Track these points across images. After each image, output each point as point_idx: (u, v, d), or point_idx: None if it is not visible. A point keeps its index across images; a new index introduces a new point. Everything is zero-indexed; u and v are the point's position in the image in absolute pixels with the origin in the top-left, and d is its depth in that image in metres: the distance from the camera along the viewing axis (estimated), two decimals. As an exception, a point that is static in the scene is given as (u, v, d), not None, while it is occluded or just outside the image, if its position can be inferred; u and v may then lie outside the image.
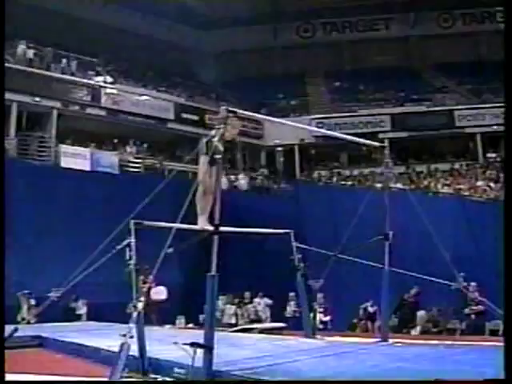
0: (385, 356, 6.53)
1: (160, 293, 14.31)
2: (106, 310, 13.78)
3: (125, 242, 6.01)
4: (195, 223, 6.66)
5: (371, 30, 34.06)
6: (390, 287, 7.84)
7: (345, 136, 7.35)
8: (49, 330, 9.91)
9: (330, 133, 7.24)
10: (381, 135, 25.23)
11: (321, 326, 13.93)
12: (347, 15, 33.62)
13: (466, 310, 13.85)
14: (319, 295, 14.99)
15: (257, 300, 16.27)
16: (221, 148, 5.94)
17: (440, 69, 31.77)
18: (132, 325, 5.61)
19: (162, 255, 5.62)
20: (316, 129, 6.10)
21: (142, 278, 6.15)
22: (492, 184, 21.43)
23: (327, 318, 14.74)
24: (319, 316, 14.80)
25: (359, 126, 26.03)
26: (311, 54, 32.97)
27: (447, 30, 33.73)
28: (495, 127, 25.84)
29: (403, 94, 28.84)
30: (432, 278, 7.72)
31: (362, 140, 7.58)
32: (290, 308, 15.47)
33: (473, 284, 13.14)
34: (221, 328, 12.01)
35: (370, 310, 15.03)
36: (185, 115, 24.20)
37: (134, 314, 5.69)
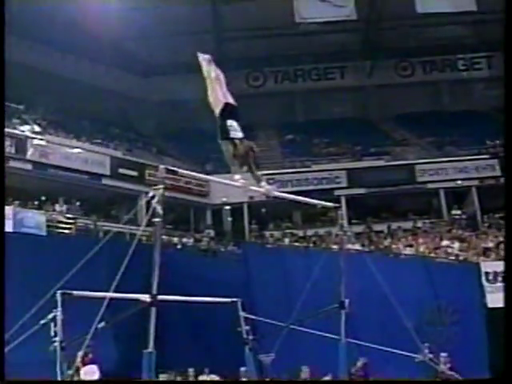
0: None
1: (91, 373, 13.84)
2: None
3: (50, 316, 5.87)
4: (133, 292, 6.56)
5: (325, 78, 34.98)
6: (349, 359, 7.82)
7: (294, 197, 7.43)
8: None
9: (277, 193, 7.29)
10: (337, 192, 25.65)
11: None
12: (300, 63, 34.56)
13: (435, 386, 13.85)
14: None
15: (203, 378, 15.96)
16: (160, 210, 5.93)
17: (399, 120, 32.70)
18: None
19: (92, 330, 5.50)
20: (257, 188, 6.16)
21: (69, 356, 5.99)
22: (457, 243, 21.83)
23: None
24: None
25: (313, 183, 26.34)
26: (261, 105, 33.48)
27: (406, 78, 34.86)
28: (459, 182, 26.57)
29: (360, 148, 29.39)
30: (394, 350, 7.77)
31: (313, 200, 7.69)
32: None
33: (443, 355, 13.21)
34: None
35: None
36: (122, 170, 24.04)
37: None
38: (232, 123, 7.04)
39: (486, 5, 27.91)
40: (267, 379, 5.75)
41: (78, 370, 7.45)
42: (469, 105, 33.18)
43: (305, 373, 15.07)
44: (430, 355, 7.74)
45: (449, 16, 30.80)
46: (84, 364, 10.59)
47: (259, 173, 7.13)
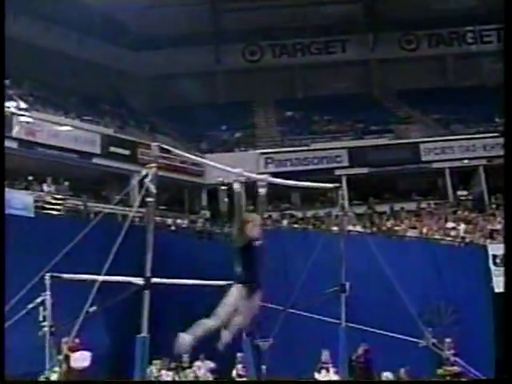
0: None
1: (82, 359, 13.88)
2: None
3: (38, 300, 5.89)
4: (125, 275, 6.59)
5: (326, 52, 34.82)
6: (349, 344, 7.88)
7: (290, 182, 7.44)
8: None
9: (271, 179, 7.31)
10: (337, 172, 25.65)
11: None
12: (299, 36, 34.34)
13: (440, 371, 13.90)
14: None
15: (197, 364, 16.05)
16: (153, 190, 5.94)
17: (403, 96, 32.59)
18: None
19: (83, 314, 5.53)
20: (253, 175, 6.11)
21: (58, 341, 6.02)
22: (463, 225, 21.89)
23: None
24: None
25: (313, 162, 26.30)
26: (258, 80, 33.37)
27: (411, 52, 34.73)
28: (465, 161, 26.53)
29: (362, 126, 29.42)
30: (397, 335, 7.82)
31: (310, 184, 7.69)
32: (237, 372, 15.29)
33: (447, 340, 13.29)
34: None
35: (330, 371, 14.97)
36: (113, 149, 23.95)
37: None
38: None
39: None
40: (268, 379, 5.78)
41: (67, 357, 7.45)
42: (477, 80, 32.98)
43: (325, 356, 15.09)
44: (434, 340, 7.78)
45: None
46: (72, 350, 10.64)
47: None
